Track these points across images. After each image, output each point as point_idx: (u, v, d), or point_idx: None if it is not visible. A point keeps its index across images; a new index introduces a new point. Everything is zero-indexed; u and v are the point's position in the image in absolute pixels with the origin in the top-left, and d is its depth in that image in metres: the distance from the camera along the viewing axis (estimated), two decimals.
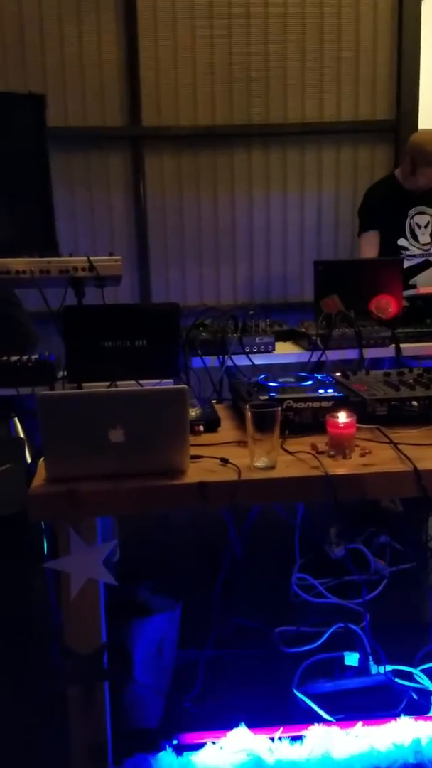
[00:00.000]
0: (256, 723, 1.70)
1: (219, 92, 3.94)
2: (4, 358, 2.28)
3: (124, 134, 3.93)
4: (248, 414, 1.49)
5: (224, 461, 1.53)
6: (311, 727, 1.70)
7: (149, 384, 2.02)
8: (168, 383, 2.12)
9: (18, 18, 3.75)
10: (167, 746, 1.63)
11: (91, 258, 2.34)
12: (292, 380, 1.90)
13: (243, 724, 1.68)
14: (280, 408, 1.53)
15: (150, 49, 3.85)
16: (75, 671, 1.44)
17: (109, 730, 1.52)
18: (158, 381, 2.11)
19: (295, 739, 1.68)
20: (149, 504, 1.46)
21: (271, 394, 1.76)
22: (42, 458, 1.55)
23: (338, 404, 1.69)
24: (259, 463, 1.49)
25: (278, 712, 1.80)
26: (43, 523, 1.68)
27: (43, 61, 3.80)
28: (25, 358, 2.29)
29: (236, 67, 3.92)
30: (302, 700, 1.86)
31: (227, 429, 1.81)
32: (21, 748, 1.51)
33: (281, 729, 1.71)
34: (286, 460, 1.54)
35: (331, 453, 1.56)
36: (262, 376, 1.93)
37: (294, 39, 3.93)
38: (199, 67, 3.90)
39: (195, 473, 1.49)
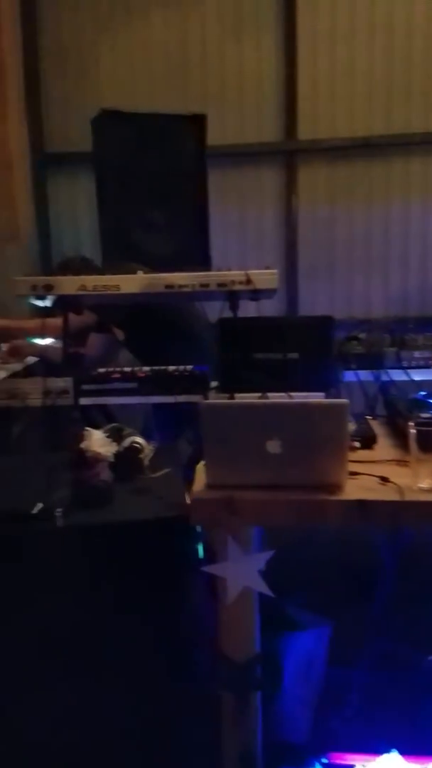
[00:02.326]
0: (408, 750, 1.64)
1: (377, 102, 3.89)
2: (162, 368, 2.38)
3: (279, 149, 3.98)
4: (412, 432, 1.45)
5: (384, 480, 1.49)
6: None
7: (299, 397, 2.02)
8: (319, 396, 2.10)
9: (183, 41, 3.93)
10: (316, 763, 1.61)
11: (248, 271, 2.39)
12: None
13: (395, 750, 1.62)
14: None
15: (308, 64, 3.88)
16: (229, 678, 1.47)
17: (259, 742, 1.53)
18: (308, 394, 2.10)
19: None
20: (307, 517, 1.46)
21: None
22: (198, 464, 1.60)
23: None
24: (424, 485, 1.44)
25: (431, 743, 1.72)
26: (198, 527, 1.72)
27: (204, 81, 3.95)
28: (181, 368, 2.38)
29: (397, 76, 3.85)
30: None
31: (383, 446, 1.77)
32: (173, 752, 1.55)
33: None
34: None
35: None
36: (423, 393, 1.87)
37: None
38: (358, 78, 3.87)
39: (353, 490, 1.47)
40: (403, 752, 1.63)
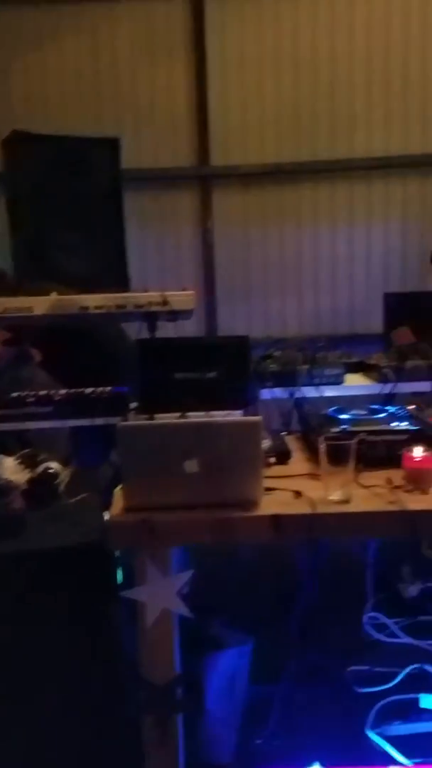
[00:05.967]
0: (329, 762, 1.66)
1: (286, 130, 4.02)
2: (80, 390, 2.35)
3: (193, 174, 4.04)
4: (322, 446, 1.49)
5: (297, 494, 1.53)
6: None
7: (218, 415, 2.04)
8: (237, 414, 2.13)
9: (94, 66, 3.95)
10: None
11: (165, 293, 2.40)
12: (364, 413, 1.88)
13: (317, 763, 1.64)
14: (355, 441, 1.52)
15: (219, 90, 3.98)
16: (150, 702, 1.45)
17: (183, 764, 1.52)
18: (228, 412, 2.12)
19: None
20: (223, 535, 1.47)
21: (344, 427, 1.75)
22: (117, 487, 1.58)
23: (414, 438, 1.67)
24: (334, 497, 1.48)
25: (352, 753, 1.75)
26: (117, 551, 1.70)
27: (118, 105, 3.97)
28: (99, 389, 2.36)
29: (303, 105, 4.00)
30: (376, 742, 1.80)
31: (298, 461, 1.81)
32: None
33: None
34: (361, 494, 1.53)
35: (408, 488, 1.53)
36: (333, 408, 1.93)
37: (361, 74, 3.98)
38: (268, 106, 4.00)
39: (268, 505, 1.49)
40: (325, 765, 1.64)
